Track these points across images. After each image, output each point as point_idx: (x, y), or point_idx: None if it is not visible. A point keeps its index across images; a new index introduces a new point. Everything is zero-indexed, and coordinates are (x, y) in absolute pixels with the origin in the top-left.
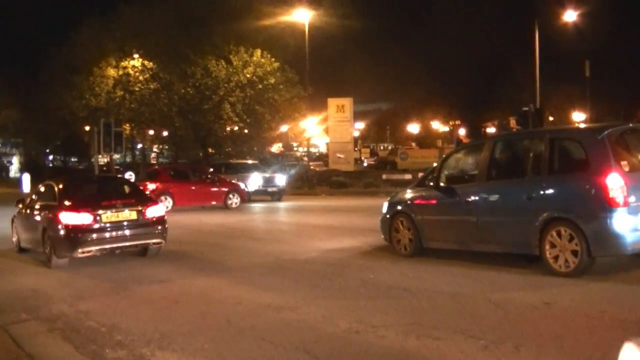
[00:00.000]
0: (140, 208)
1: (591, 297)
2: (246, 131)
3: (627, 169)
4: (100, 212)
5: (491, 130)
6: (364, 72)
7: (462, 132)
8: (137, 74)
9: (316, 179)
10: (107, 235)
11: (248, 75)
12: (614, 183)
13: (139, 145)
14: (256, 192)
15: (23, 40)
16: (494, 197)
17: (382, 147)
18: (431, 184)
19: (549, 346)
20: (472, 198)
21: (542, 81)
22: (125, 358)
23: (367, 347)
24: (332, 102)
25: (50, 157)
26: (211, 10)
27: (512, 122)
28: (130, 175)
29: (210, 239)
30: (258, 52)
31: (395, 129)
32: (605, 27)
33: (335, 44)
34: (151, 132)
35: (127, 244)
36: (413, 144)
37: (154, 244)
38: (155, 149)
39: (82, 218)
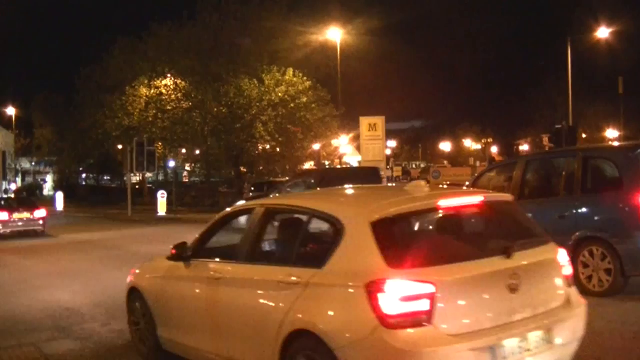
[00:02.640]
0: None
1: (626, 317)
2: (278, 150)
3: None
4: None
5: (524, 147)
6: (397, 91)
7: (494, 149)
8: (170, 92)
9: None
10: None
11: (280, 94)
12: None
13: (171, 164)
14: None
15: (58, 62)
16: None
17: (414, 165)
18: None
19: None
20: None
21: (575, 98)
22: None
23: None
24: (364, 121)
25: (84, 176)
26: (243, 30)
27: (545, 140)
28: (162, 194)
29: None
30: (290, 71)
31: (427, 147)
32: (639, 43)
33: (367, 63)
34: (183, 150)
35: None
36: (445, 161)
37: None
38: (187, 168)
39: None
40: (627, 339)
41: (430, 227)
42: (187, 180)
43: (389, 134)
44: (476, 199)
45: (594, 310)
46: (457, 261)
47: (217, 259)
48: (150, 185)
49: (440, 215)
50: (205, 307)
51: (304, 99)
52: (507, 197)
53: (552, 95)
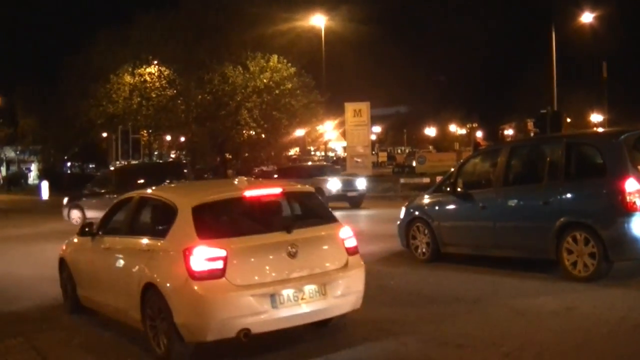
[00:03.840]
0: None
1: (612, 302)
2: (263, 136)
3: None
4: None
5: (508, 132)
6: (382, 76)
7: (479, 134)
8: (154, 80)
9: None
10: None
11: (265, 81)
12: (632, 187)
13: (155, 152)
14: (334, 197)
15: (41, 50)
16: (510, 203)
17: (399, 151)
18: (448, 189)
19: (570, 354)
20: (489, 203)
21: (560, 83)
22: None
23: (389, 355)
24: (349, 107)
25: (69, 164)
26: (227, 17)
27: (530, 125)
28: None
29: None
30: (275, 57)
31: (412, 133)
32: (622, 28)
33: (352, 49)
34: (168, 138)
35: None
36: (430, 147)
37: None
38: (172, 155)
39: None
40: (611, 323)
41: (242, 210)
42: None
43: (374, 120)
44: (276, 190)
45: (580, 295)
46: (248, 234)
47: (108, 235)
48: None
49: (246, 201)
50: (100, 270)
51: (289, 86)
52: (307, 188)
53: (537, 80)
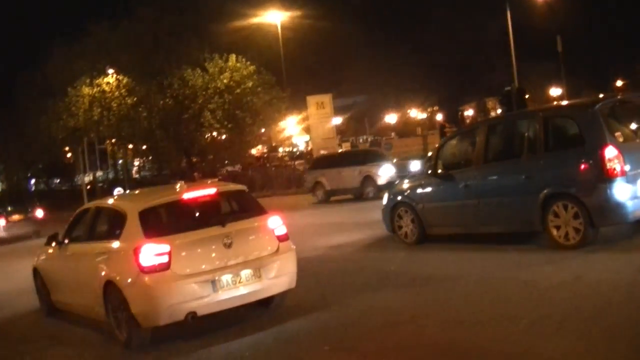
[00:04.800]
0: None
1: (618, 268)
2: (223, 137)
3: (621, 139)
4: None
5: (468, 113)
6: (338, 67)
7: (439, 117)
8: (113, 90)
9: (303, 177)
10: None
11: (225, 81)
12: (611, 154)
13: (120, 161)
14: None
15: None
16: (492, 179)
17: (361, 140)
18: (429, 172)
19: (593, 320)
20: (471, 182)
21: (517, 60)
22: None
23: (411, 339)
24: (312, 100)
25: (32, 182)
26: (182, 20)
27: (490, 104)
28: (119, 191)
29: None
30: (233, 57)
31: (373, 121)
32: (575, 1)
33: (309, 43)
34: (130, 146)
35: None
36: (392, 133)
37: None
38: (136, 163)
39: None
40: (626, 287)
41: (182, 210)
42: (137, 175)
43: (334, 111)
44: (211, 191)
45: (579, 263)
46: (187, 231)
47: (71, 242)
48: (101, 184)
49: (184, 203)
50: (67, 274)
51: (250, 84)
52: (240, 187)
53: (494, 58)
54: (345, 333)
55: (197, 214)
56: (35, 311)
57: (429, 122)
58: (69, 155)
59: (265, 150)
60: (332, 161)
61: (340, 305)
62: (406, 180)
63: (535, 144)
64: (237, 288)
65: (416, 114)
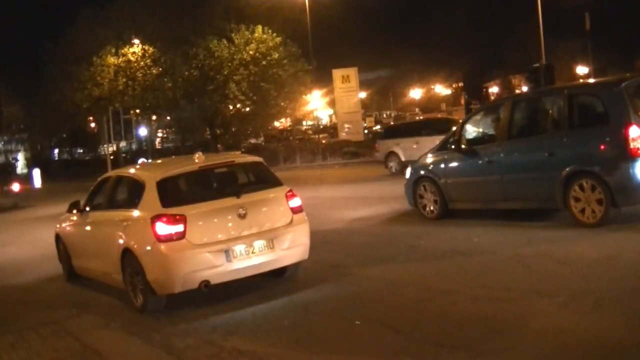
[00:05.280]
0: None
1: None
2: (246, 110)
3: None
4: None
5: (493, 90)
6: (363, 41)
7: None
8: (138, 60)
9: (327, 151)
10: None
11: (251, 53)
12: (635, 134)
13: (144, 132)
14: None
15: (21, 37)
16: (516, 155)
17: (384, 115)
18: (452, 147)
19: (630, 298)
20: (495, 157)
21: (544, 37)
22: (197, 345)
23: (443, 314)
24: (337, 73)
25: (56, 151)
26: None
27: (515, 81)
28: (142, 161)
29: None
30: (259, 28)
31: (397, 96)
32: None
33: (332, 14)
34: (154, 117)
35: None
36: (416, 109)
37: None
38: (159, 134)
39: None
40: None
41: (198, 181)
42: (160, 147)
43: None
44: (227, 162)
45: (616, 241)
46: (202, 201)
47: (93, 210)
48: (124, 155)
49: (201, 173)
50: (88, 241)
51: (276, 56)
52: (256, 159)
53: (520, 35)
54: (375, 306)
55: (213, 185)
56: (59, 277)
57: (453, 99)
58: (92, 125)
59: (289, 124)
60: (409, 129)
61: (370, 279)
62: (429, 155)
63: (559, 121)
64: (250, 258)
65: (441, 89)
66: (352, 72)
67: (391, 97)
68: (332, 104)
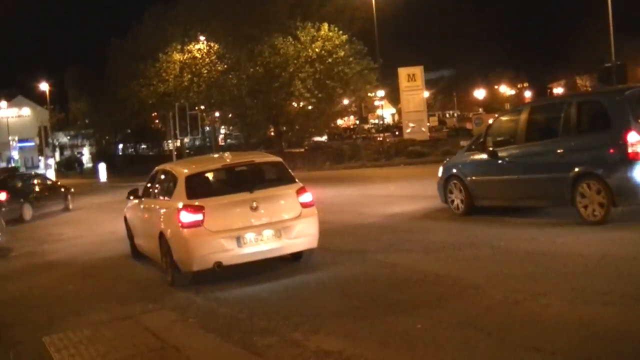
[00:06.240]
0: None
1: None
2: (310, 107)
3: None
4: None
5: (558, 90)
6: (427, 40)
7: (528, 94)
8: (204, 56)
9: (392, 150)
10: None
11: (317, 50)
12: (634, 139)
13: (207, 128)
14: None
15: (89, 35)
16: (531, 157)
17: (447, 115)
18: (479, 148)
19: None
20: (514, 159)
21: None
22: (278, 344)
23: (535, 317)
24: (403, 72)
25: (120, 146)
26: None
27: (580, 81)
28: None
29: None
30: (325, 26)
31: (461, 96)
32: None
33: (398, 14)
34: (217, 114)
35: None
36: (480, 109)
37: None
38: (222, 130)
39: None
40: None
41: (220, 177)
42: (223, 143)
43: None
44: (248, 161)
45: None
46: (220, 195)
47: (146, 197)
48: (188, 151)
49: (223, 171)
50: (141, 223)
51: (342, 54)
52: (276, 159)
53: (586, 35)
54: (459, 309)
55: (232, 181)
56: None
57: (517, 99)
58: (157, 120)
59: (355, 122)
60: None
61: (450, 278)
62: (459, 155)
63: (569, 126)
64: (259, 244)
65: (505, 89)
66: (417, 70)
67: (455, 96)
68: (396, 102)
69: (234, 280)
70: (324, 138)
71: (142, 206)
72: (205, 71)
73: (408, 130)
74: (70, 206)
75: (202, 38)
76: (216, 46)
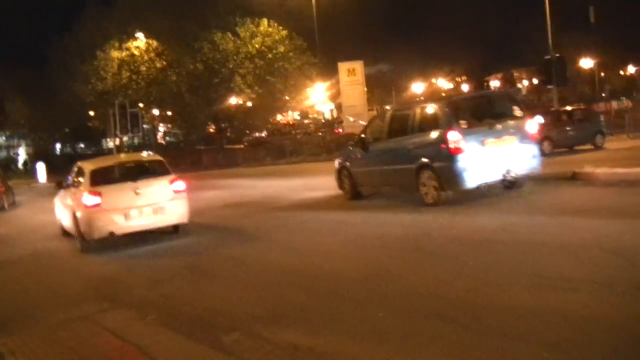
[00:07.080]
0: None
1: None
2: (249, 104)
3: (465, 126)
4: None
5: (494, 84)
6: (363, 35)
7: (465, 88)
8: (142, 53)
9: (334, 144)
10: None
11: (257, 46)
12: (454, 137)
13: (146, 126)
14: None
15: (25, 34)
16: (390, 152)
17: (387, 109)
18: (358, 143)
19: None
20: (379, 152)
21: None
22: (244, 340)
23: (499, 305)
24: (343, 67)
25: (58, 146)
26: None
27: (516, 74)
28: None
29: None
30: (265, 21)
31: (399, 90)
32: None
33: (337, 9)
34: (155, 112)
35: None
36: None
37: None
38: (161, 128)
39: None
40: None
41: (114, 171)
42: (162, 141)
43: None
44: (135, 159)
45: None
46: (112, 183)
47: (67, 187)
48: (127, 149)
49: (117, 166)
50: (64, 206)
51: (282, 49)
52: (157, 157)
53: (525, 29)
54: (423, 301)
55: (123, 174)
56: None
57: (456, 92)
58: (95, 119)
59: (295, 118)
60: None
61: (416, 273)
62: (349, 148)
63: (414, 126)
64: (140, 219)
65: (443, 83)
66: (357, 65)
67: (393, 90)
68: (334, 97)
69: (186, 277)
70: (264, 134)
71: (67, 194)
72: (144, 68)
73: (347, 125)
74: (6, 205)
75: (140, 35)
76: (155, 43)
